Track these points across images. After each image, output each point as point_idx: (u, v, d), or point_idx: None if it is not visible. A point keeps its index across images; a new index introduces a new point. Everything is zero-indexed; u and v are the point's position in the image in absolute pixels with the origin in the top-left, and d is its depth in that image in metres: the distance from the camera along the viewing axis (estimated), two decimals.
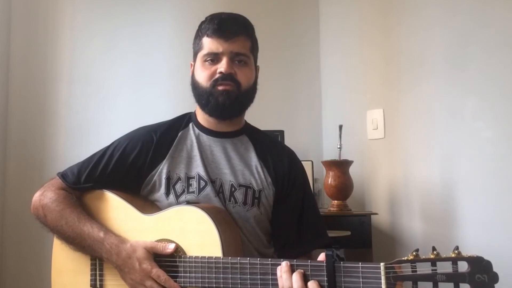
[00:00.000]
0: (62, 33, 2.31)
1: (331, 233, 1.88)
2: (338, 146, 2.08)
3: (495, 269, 0.84)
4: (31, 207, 1.27)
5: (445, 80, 1.85)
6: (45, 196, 1.25)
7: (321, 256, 0.99)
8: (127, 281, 1.15)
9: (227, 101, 1.23)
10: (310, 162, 2.14)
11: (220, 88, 1.23)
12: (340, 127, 2.08)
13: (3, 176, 2.19)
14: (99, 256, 1.20)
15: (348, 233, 1.94)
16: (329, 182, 2.05)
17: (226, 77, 1.22)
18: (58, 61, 2.29)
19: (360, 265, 0.92)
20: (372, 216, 2.03)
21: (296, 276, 0.97)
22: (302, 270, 0.98)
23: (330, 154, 2.37)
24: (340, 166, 2.05)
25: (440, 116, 1.86)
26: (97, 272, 1.23)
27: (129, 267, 1.13)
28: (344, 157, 2.09)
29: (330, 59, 2.53)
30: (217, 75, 1.23)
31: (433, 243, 1.85)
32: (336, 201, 2.06)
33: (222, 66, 1.22)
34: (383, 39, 2.17)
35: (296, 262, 0.99)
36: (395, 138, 2.10)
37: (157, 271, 1.11)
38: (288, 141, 1.97)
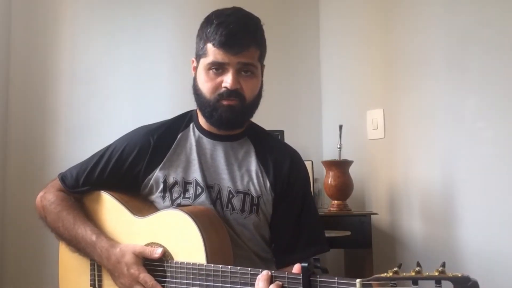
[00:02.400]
0: (63, 33, 2.30)
1: (332, 233, 1.88)
2: (338, 146, 2.08)
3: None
4: (36, 208, 1.30)
5: (445, 80, 1.84)
6: (45, 197, 1.28)
7: (296, 267, 0.96)
8: (118, 285, 1.16)
9: (230, 116, 1.20)
10: (310, 162, 2.14)
11: (224, 103, 1.19)
12: (340, 127, 2.08)
13: (3, 176, 2.19)
14: (93, 259, 1.21)
15: (348, 233, 1.93)
16: (329, 182, 2.05)
17: (231, 93, 1.18)
18: (59, 61, 2.28)
19: (336, 280, 0.90)
20: (372, 216, 2.02)
21: None
22: (280, 283, 0.96)
23: (330, 154, 2.37)
24: (340, 166, 2.05)
25: (440, 116, 1.86)
26: (96, 273, 1.23)
27: (119, 271, 1.14)
28: (344, 157, 2.09)
29: (330, 59, 2.53)
30: (222, 90, 1.18)
31: (433, 243, 1.86)
32: (336, 201, 2.05)
33: (227, 81, 1.17)
34: (383, 39, 2.17)
35: (274, 273, 0.98)
36: (395, 138, 2.09)
37: (144, 276, 1.11)
38: (288, 141, 1.96)
